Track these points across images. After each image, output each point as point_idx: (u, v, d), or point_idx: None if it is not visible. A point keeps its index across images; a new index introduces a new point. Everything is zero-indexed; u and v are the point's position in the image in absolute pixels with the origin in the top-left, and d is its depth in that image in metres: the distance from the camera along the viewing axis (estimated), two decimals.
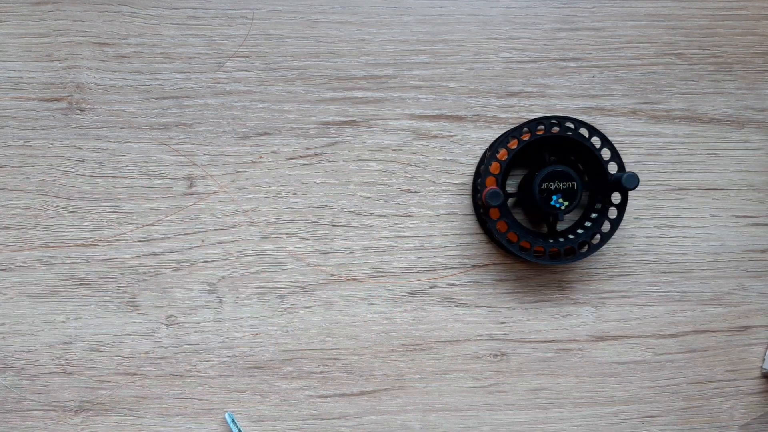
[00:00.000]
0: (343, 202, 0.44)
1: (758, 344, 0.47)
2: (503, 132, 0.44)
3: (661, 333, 0.46)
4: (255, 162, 0.44)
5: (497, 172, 0.42)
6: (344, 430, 0.45)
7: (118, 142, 0.43)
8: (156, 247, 0.44)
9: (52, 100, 0.43)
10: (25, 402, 0.43)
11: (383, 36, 0.44)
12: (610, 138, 0.43)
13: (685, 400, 0.47)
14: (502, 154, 0.42)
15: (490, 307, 0.45)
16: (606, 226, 0.43)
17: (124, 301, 0.43)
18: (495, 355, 0.45)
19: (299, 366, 0.44)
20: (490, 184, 0.42)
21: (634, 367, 0.46)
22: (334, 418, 0.45)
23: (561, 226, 0.45)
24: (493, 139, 0.44)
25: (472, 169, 0.45)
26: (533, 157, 0.43)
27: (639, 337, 0.46)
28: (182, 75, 0.43)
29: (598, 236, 0.43)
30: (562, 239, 0.43)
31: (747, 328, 0.47)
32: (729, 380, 0.47)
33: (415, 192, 0.45)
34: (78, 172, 0.43)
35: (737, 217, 0.46)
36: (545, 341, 0.46)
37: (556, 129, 0.42)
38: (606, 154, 0.42)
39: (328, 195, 0.44)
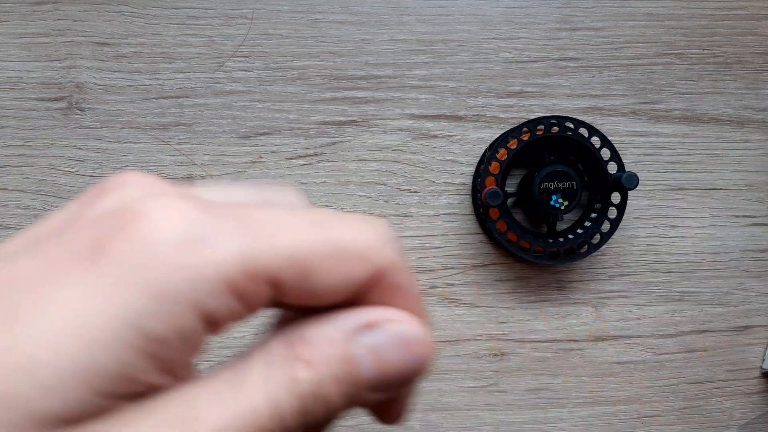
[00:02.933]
0: (343, 202, 0.44)
1: (758, 344, 0.47)
2: (503, 132, 0.44)
3: (661, 333, 0.46)
4: (255, 162, 0.44)
5: (497, 172, 0.42)
6: (344, 430, 0.45)
7: (118, 142, 0.43)
8: None
9: (51, 100, 0.43)
10: None
11: (383, 36, 0.44)
12: (609, 138, 0.43)
13: (684, 399, 0.47)
14: (502, 154, 0.42)
15: (490, 307, 0.45)
16: (606, 226, 0.43)
17: None
18: (495, 355, 0.45)
19: None
20: (490, 184, 0.42)
21: (634, 367, 0.46)
22: None
23: (561, 226, 0.45)
24: (493, 139, 0.44)
25: (472, 169, 0.45)
26: (533, 157, 0.43)
27: (639, 337, 0.46)
28: (182, 75, 0.43)
29: (597, 236, 0.43)
30: (561, 239, 0.43)
31: (747, 328, 0.47)
32: (729, 380, 0.47)
33: (415, 192, 0.45)
34: (78, 172, 0.43)
35: (737, 217, 0.46)
36: (545, 341, 0.46)
37: (555, 129, 0.42)
38: (606, 154, 0.42)
39: (328, 195, 0.44)
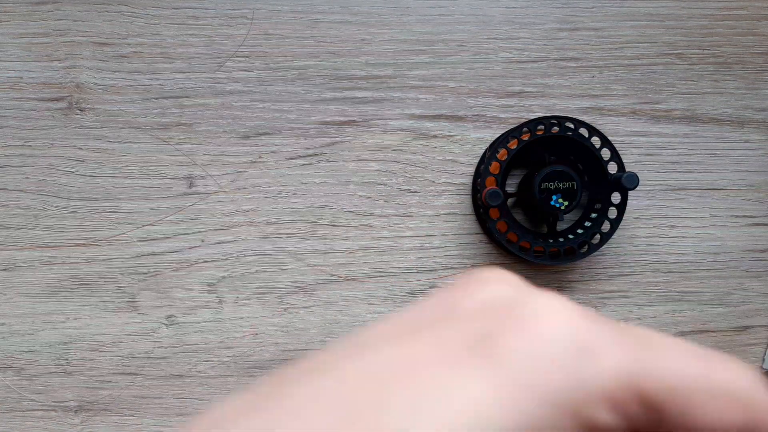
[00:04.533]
0: (343, 202, 0.44)
1: (758, 344, 0.47)
2: (503, 132, 0.44)
3: None
4: (255, 162, 0.44)
5: (497, 172, 0.42)
6: None
7: (118, 141, 0.43)
8: (156, 247, 0.43)
9: (51, 100, 0.43)
10: (25, 402, 0.43)
11: (383, 36, 0.44)
12: (609, 138, 0.43)
13: None
14: (502, 154, 0.42)
15: None
16: (606, 226, 0.43)
17: (123, 301, 0.43)
18: None
19: None
20: (490, 184, 0.42)
21: None
22: None
23: (561, 226, 0.45)
24: (493, 139, 0.44)
25: (472, 169, 0.45)
26: (533, 157, 0.43)
27: None
28: (182, 75, 0.43)
29: (598, 236, 0.43)
30: (562, 239, 0.43)
31: (747, 328, 0.47)
32: None
33: (415, 192, 0.45)
34: (78, 172, 0.43)
35: (737, 217, 0.46)
36: None
37: (556, 129, 0.42)
38: (606, 154, 0.42)
39: (327, 195, 0.44)
